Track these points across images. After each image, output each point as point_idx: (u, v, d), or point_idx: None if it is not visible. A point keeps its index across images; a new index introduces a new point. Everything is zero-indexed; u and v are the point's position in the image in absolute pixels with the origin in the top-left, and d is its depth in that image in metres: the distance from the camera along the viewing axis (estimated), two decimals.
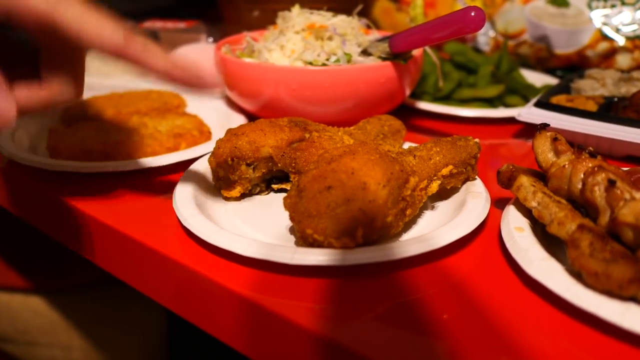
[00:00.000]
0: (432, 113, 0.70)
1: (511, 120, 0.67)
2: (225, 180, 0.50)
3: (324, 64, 0.60)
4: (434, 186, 0.47)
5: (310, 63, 0.61)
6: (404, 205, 0.43)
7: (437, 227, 0.45)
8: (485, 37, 0.89)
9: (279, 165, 0.49)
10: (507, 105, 0.72)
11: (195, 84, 0.41)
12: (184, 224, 0.44)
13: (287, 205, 0.41)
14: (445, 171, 0.47)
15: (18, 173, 0.56)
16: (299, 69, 0.57)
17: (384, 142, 0.53)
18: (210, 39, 0.77)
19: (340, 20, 0.64)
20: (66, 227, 0.53)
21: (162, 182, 0.54)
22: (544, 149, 0.44)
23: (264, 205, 0.50)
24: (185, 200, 0.47)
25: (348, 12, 0.81)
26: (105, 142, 0.56)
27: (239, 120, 0.64)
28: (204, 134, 0.59)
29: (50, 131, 0.59)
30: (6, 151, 0.55)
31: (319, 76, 0.57)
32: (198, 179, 0.51)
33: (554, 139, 0.44)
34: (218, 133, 0.62)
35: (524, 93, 0.71)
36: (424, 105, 0.70)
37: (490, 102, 0.71)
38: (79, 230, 0.52)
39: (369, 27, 0.69)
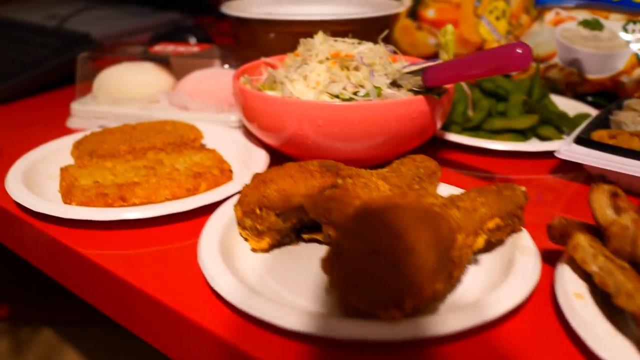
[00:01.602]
0: (462, 145, 0.67)
1: (546, 154, 0.64)
2: (252, 230, 0.46)
3: (351, 98, 0.56)
4: (480, 241, 0.43)
5: (337, 96, 0.57)
6: (452, 267, 0.39)
7: (483, 288, 0.41)
8: None
9: (311, 215, 0.45)
10: (539, 137, 0.68)
11: None
12: (213, 285, 0.40)
13: (326, 268, 0.38)
14: (491, 224, 0.44)
15: (27, 217, 0.52)
16: (326, 104, 0.54)
17: (420, 186, 0.50)
18: (226, 66, 0.73)
19: (367, 49, 0.61)
20: (79, 278, 0.50)
21: (183, 228, 0.51)
22: (602, 204, 0.41)
23: (295, 257, 0.46)
24: (211, 254, 0.43)
25: (370, 35, 0.78)
26: (122, 184, 0.52)
27: (259, 155, 0.61)
28: (225, 172, 0.56)
29: (62, 170, 0.56)
30: (16, 195, 0.52)
31: (348, 112, 0.53)
32: (223, 228, 0.47)
33: (614, 194, 0.40)
34: (239, 170, 0.58)
35: (557, 124, 0.68)
36: (454, 137, 0.66)
37: (522, 134, 0.68)
38: (93, 282, 0.48)
39: (394, 52, 0.65)
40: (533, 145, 0.64)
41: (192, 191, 0.54)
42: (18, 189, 0.53)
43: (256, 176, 0.47)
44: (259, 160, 0.59)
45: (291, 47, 0.76)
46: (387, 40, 0.82)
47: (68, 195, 0.51)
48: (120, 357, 0.87)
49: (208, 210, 0.51)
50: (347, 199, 0.45)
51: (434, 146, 0.67)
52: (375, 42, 0.79)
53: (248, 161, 0.61)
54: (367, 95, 0.56)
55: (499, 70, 0.48)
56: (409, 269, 0.36)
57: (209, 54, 0.76)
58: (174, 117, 0.70)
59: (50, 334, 0.90)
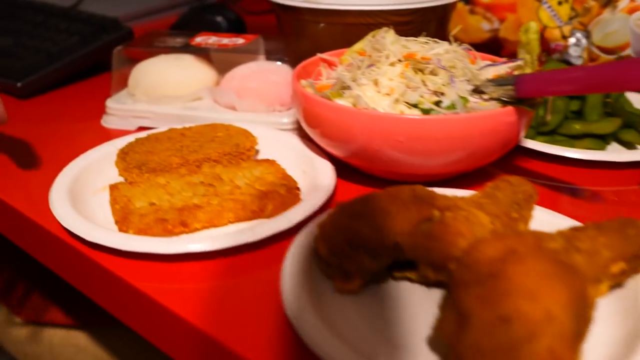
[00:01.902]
0: (535, 151, 0.61)
1: (633, 164, 0.58)
2: (339, 270, 0.41)
3: (431, 109, 0.51)
4: (603, 289, 0.38)
5: (415, 105, 0.51)
6: (586, 328, 0.34)
7: (609, 342, 0.37)
8: (577, 48, 0.79)
9: (408, 256, 0.40)
10: (621, 142, 0.63)
11: None
12: (307, 340, 0.36)
13: (446, 335, 0.33)
14: (615, 269, 0.39)
15: (75, 243, 0.47)
16: (412, 119, 0.48)
17: (519, 214, 0.45)
18: (278, 63, 0.67)
19: (445, 51, 0.54)
20: (136, 313, 0.45)
21: (250, 259, 0.46)
22: None
23: (386, 298, 0.41)
24: (296, 298, 0.38)
25: (428, 26, 0.71)
26: (182, 208, 0.47)
27: (324, 167, 0.55)
28: (292, 191, 0.50)
29: (113, 189, 0.50)
30: (67, 222, 0.47)
31: (433, 127, 0.48)
32: (303, 263, 0.42)
33: None
34: (302, 183, 0.53)
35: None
36: (530, 143, 0.60)
37: (602, 138, 0.62)
38: (152, 319, 0.43)
39: (468, 50, 0.59)
40: (624, 155, 0.58)
41: (258, 213, 0.49)
42: (67, 213, 0.48)
43: (343, 208, 0.42)
44: (325, 174, 0.54)
45: (342, 38, 0.70)
46: (444, 31, 0.76)
47: (125, 222, 0.46)
48: (150, 359, 0.83)
49: (281, 237, 0.46)
50: (449, 238, 0.40)
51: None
52: (433, 33, 0.73)
53: (311, 173, 0.55)
54: (451, 106, 0.50)
55: (613, 87, 0.43)
56: (550, 337, 0.31)
57: (254, 47, 0.69)
58: (220, 118, 0.65)
59: (80, 337, 0.86)
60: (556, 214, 0.48)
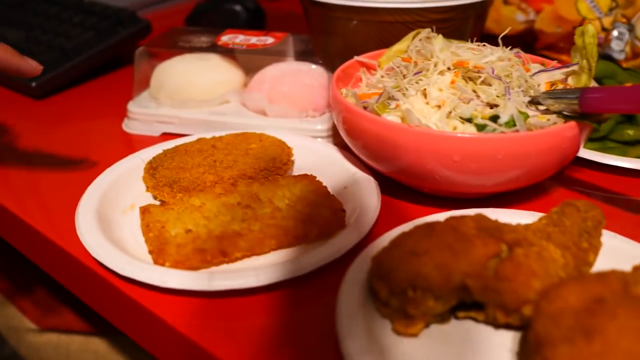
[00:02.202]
0: (583, 159, 0.57)
1: None
2: (399, 312, 0.38)
3: (485, 125, 0.47)
4: None
5: (469, 120, 0.47)
6: None
7: None
8: (620, 42, 0.74)
9: (476, 297, 0.37)
10: None
11: (18, 66, 0.49)
12: None
13: None
14: None
15: (104, 272, 0.44)
16: (469, 138, 0.44)
17: (589, 243, 0.42)
18: (314, 66, 0.63)
19: (498, 58, 0.50)
20: (176, 353, 0.42)
21: (298, 294, 0.42)
22: None
23: (450, 340, 0.38)
24: (356, 343, 0.35)
25: (466, 23, 0.67)
26: (222, 237, 0.44)
27: (366, 182, 0.51)
28: (337, 214, 0.47)
29: (144, 213, 0.47)
30: (97, 253, 0.43)
31: (492, 146, 0.44)
32: (358, 301, 0.39)
33: None
34: (344, 202, 0.49)
35: None
36: (583, 152, 0.57)
37: None
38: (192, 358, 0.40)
39: (518, 54, 0.55)
40: None
41: (301, 239, 0.46)
42: (98, 243, 0.44)
43: (401, 243, 0.39)
44: (369, 191, 0.50)
45: (376, 37, 0.66)
46: (481, 27, 0.72)
47: (161, 254, 0.43)
48: None
49: (327, 268, 0.43)
50: (522, 278, 0.36)
51: None
52: (471, 30, 0.68)
53: (352, 189, 0.52)
54: (510, 122, 0.46)
55: None
56: None
57: (283, 46, 0.65)
58: (249, 124, 0.61)
59: (99, 343, 0.83)
60: (624, 238, 0.44)
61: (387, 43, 0.64)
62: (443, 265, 0.36)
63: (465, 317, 0.39)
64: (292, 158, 0.55)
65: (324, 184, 0.51)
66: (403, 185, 0.53)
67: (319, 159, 0.56)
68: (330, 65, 0.64)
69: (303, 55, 0.65)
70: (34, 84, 0.71)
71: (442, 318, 0.39)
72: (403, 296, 0.37)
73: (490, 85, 0.50)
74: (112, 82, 0.77)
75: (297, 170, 0.55)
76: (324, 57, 0.65)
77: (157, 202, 0.51)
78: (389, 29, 0.65)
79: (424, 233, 0.39)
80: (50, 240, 0.48)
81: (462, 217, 0.40)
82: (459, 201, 0.51)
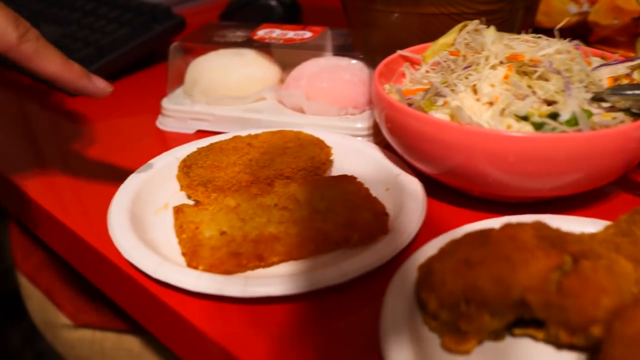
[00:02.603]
0: None
1: None
2: (450, 326, 0.35)
3: (543, 123, 0.43)
4: None
5: (525, 118, 0.44)
6: None
7: None
8: None
9: (538, 314, 0.33)
10: None
11: (84, 89, 0.44)
12: None
13: None
14: None
15: (137, 274, 0.42)
16: (526, 138, 0.41)
17: None
18: (354, 61, 0.60)
19: (557, 51, 0.47)
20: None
21: (337, 302, 0.39)
22: None
23: (504, 358, 0.35)
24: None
25: (515, 15, 0.63)
26: (258, 240, 0.41)
27: (411, 184, 0.48)
28: (380, 218, 0.44)
29: (178, 212, 0.45)
30: (131, 255, 0.41)
31: (552, 147, 0.40)
32: (404, 314, 0.36)
33: None
34: (387, 205, 0.46)
35: None
36: None
37: None
38: None
39: (577, 46, 0.51)
40: None
41: (342, 244, 0.43)
42: (131, 244, 0.42)
43: (453, 253, 0.35)
44: (413, 194, 0.47)
45: (419, 30, 0.63)
46: (531, 19, 0.68)
47: (194, 257, 0.40)
48: None
49: (368, 277, 0.40)
50: (590, 295, 0.33)
51: None
52: (520, 23, 0.64)
53: (395, 191, 0.49)
54: (572, 121, 0.42)
55: None
56: None
57: (321, 41, 0.62)
58: (286, 122, 0.58)
59: (133, 341, 0.82)
60: None
61: (431, 37, 0.60)
62: (500, 278, 0.33)
63: (523, 334, 0.36)
64: (331, 158, 0.53)
65: (364, 185, 0.48)
66: (449, 188, 0.49)
67: (359, 159, 0.53)
68: (371, 61, 0.61)
69: (342, 50, 0.62)
70: None
71: (497, 335, 0.36)
72: (455, 310, 0.34)
73: (547, 80, 0.46)
74: (146, 78, 0.76)
75: (335, 171, 0.52)
76: (363, 52, 0.61)
77: (191, 202, 0.49)
78: (432, 21, 0.62)
79: (479, 242, 0.35)
80: (83, 240, 0.46)
81: (520, 225, 0.37)
82: (511, 206, 0.47)
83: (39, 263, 0.86)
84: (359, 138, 0.56)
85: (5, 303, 1.28)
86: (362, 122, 0.57)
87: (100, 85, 0.45)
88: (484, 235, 0.36)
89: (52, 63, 0.42)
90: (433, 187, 0.49)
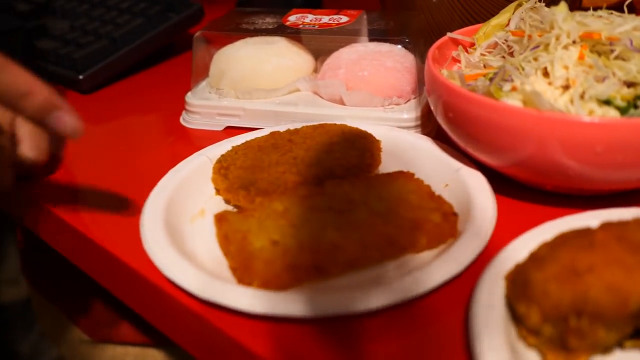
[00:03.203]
0: None
1: None
2: (555, 342, 0.30)
3: (630, 105, 0.38)
4: None
5: (607, 102, 0.39)
6: None
7: None
8: None
9: None
10: None
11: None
12: None
13: None
14: None
15: (177, 292, 0.37)
16: (618, 124, 0.36)
17: None
18: (399, 46, 0.55)
19: (634, 28, 0.42)
20: None
21: (410, 316, 0.35)
22: None
23: None
24: None
25: None
26: (316, 249, 0.36)
27: (474, 179, 0.44)
28: (449, 218, 0.39)
29: (220, 221, 0.40)
30: (172, 272, 0.36)
31: None
32: (495, 326, 0.31)
33: None
34: (455, 204, 0.41)
35: None
36: None
37: None
38: None
39: None
40: None
41: (409, 248, 0.38)
42: (169, 258, 0.37)
43: (553, 257, 0.31)
44: (479, 190, 0.42)
45: (462, 11, 0.58)
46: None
47: (247, 272, 0.36)
48: None
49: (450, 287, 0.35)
50: None
51: None
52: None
53: (455, 187, 0.44)
54: None
55: None
56: None
57: (357, 25, 0.57)
58: (325, 115, 0.54)
59: (157, 355, 0.78)
60: None
61: (475, 18, 0.56)
62: (616, 286, 0.29)
63: (634, 346, 0.31)
64: (381, 153, 0.48)
65: (424, 182, 0.43)
66: (514, 182, 0.45)
67: (410, 153, 0.48)
68: (412, 46, 0.56)
69: (380, 35, 0.58)
70: (81, 77, 0.64)
71: (606, 349, 0.31)
72: (562, 325, 0.29)
73: (625, 60, 0.41)
74: (165, 72, 0.71)
75: (386, 168, 0.48)
76: (405, 36, 0.57)
77: (231, 207, 0.44)
78: (476, 1, 0.57)
79: (582, 244, 0.31)
80: (113, 255, 0.41)
81: (625, 224, 0.32)
82: (586, 199, 0.43)
83: (50, 277, 0.82)
84: (408, 130, 0.52)
85: (14, 312, 1.24)
86: (408, 113, 0.53)
87: (68, 121, 0.39)
88: (586, 236, 0.32)
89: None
90: (496, 181, 0.44)
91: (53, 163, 0.51)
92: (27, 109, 0.37)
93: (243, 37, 0.58)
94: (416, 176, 0.44)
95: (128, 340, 0.75)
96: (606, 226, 0.32)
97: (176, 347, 0.75)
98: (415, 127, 0.52)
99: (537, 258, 0.32)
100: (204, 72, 0.60)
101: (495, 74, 0.42)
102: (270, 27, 0.58)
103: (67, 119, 0.38)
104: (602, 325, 0.29)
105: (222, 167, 0.45)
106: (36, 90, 0.37)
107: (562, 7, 0.44)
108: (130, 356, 0.77)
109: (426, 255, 0.38)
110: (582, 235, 0.32)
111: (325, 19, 0.58)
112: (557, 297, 0.29)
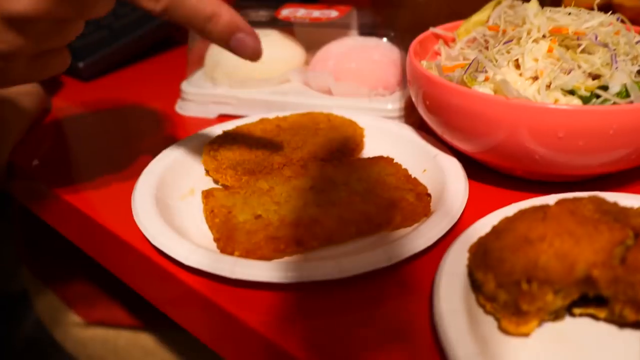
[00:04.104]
0: None
1: None
2: (508, 307, 0.33)
3: (592, 95, 0.41)
4: None
5: (572, 92, 0.42)
6: None
7: None
8: None
9: (603, 292, 0.31)
10: None
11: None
12: None
13: None
14: None
15: (165, 262, 0.40)
16: (578, 111, 0.39)
17: None
18: (384, 39, 0.58)
19: (600, 24, 0.45)
20: (244, 350, 0.37)
21: (383, 287, 0.37)
22: None
23: (566, 341, 0.33)
24: (464, 347, 0.30)
25: None
26: (297, 223, 0.39)
27: (449, 164, 0.46)
28: (422, 198, 0.42)
29: (208, 196, 0.43)
30: (160, 241, 0.39)
31: (605, 120, 0.38)
32: (458, 298, 0.34)
33: None
34: (428, 187, 0.44)
35: None
36: None
37: None
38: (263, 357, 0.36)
39: (622, 22, 0.49)
40: None
41: (384, 226, 0.41)
42: (159, 230, 0.40)
43: (509, 228, 0.33)
44: (453, 174, 0.45)
45: (448, 8, 0.61)
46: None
47: (229, 242, 0.38)
48: None
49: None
50: None
51: None
52: (546, 3, 0.62)
53: (432, 172, 0.47)
54: (622, 93, 0.40)
55: None
56: None
57: (347, 20, 0.60)
58: (314, 104, 0.56)
59: (148, 339, 0.80)
60: None
61: (460, 14, 0.58)
62: (565, 254, 0.31)
63: (583, 313, 0.34)
64: (364, 139, 0.51)
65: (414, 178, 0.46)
66: (488, 168, 0.47)
67: (393, 141, 0.51)
68: (400, 40, 0.59)
69: (369, 30, 0.60)
70: (81, 65, 0.67)
71: (557, 315, 0.34)
72: (515, 289, 0.32)
73: (590, 53, 0.44)
74: (163, 62, 0.74)
75: (369, 153, 0.50)
76: (392, 31, 0.59)
77: (219, 186, 0.47)
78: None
79: (537, 217, 0.33)
80: (106, 229, 0.44)
81: (579, 200, 0.35)
82: (555, 185, 0.45)
83: (47, 261, 0.84)
84: (391, 119, 0.54)
85: (7, 304, 1.26)
86: (393, 103, 0.55)
87: (251, 44, 0.40)
88: (541, 211, 0.34)
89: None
90: (471, 167, 0.47)
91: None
92: (213, 32, 0.38)
93: None
94: (396, 161, 0.47)
95: (120, 323, 0.78)
96: (561, 202, 0.35)
97: (166, 330, 0.78)
98: (399, 117, 0.55)
99: (496, 230, 0.34)
100: (199, 63, 0.63)
101: (469, 65, 0.45)
102: (264, 20, 0.61)
103: (249, 41, 0.39)
104: (550, 289, 0.31)
105: (213, 149, 0.48)
106: (220, 11, 0.38)
107: (534, 4, 0.46)
108: (122, 338, 0.79)
109: (401, 232, 0.41)
110: (538, 209, 0.34)
111: (316, 13, 0.61)
112: (510, 264, 0.32)
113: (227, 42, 0.39)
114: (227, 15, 0.38)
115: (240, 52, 0.40)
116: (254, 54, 0.40)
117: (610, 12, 0.48)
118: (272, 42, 0.60)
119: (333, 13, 0.61)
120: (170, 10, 0.37)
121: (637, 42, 0.47)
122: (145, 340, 0.79)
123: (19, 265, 1.21)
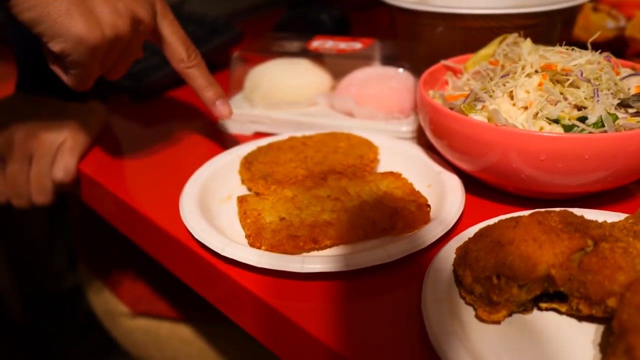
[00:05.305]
0: None
1: None
2: (483, 298, 0.39)
3: (574, 125, 0.48)
4: None
5: (556, 121, 0.48)
6: None
7: None
8: None
9: (561, 288, 0.38)
10: None
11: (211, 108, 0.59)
12: None
13: None
14: None
15: (205, 254, 0.48)
16: (556, 137, 0.45)
17: None
18: (400, 70, 0.65)
19: (587, 62, 0.51)
20: (269, 328, 0.45)
21: (384, 281, 0.45)
22: None
23: (533, 330, 0.39)
24: (441, 328, 0.37)
25: (554, 29, 0.68)
26: (314, 225, 0.47)
27: (451, 180, 0.53)
28: (422, 208, 0.49)
29: (242, 201, 0.51)
30: (202, 236, 0.47)
31: (579, 146, 0.45)
32: (444, 289, 0.41)
33: None
34: (429, 199, 0.51)
35: None
36: None
37: None
38: (283, 334, 0.43)
39: (607, 58, 0.55)
40: None
41: (388, 230, 0.48)
42: (200, 226, 0.48)
43: (487, 234, 0.40)
44: (453, 189, 0.52)
45: (462, 43, 0.68)
46: (569, 33, 0.72)
47: (258, 238, 0.46)
48: (250, 356, 0.84)
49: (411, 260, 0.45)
50: (607, 272, 0.37)
51: None
52: (558, 36, 0.69)
53: (436, 187, 0.54)
54: (598, 123, 0.47)
55: None
56: None
57: (370, 51, 0.68)
58: (337, 125, 0.64)
59: (186, 330, 0.88)
60: None
61: (473, 48, 0.65)
62: (528, 257, 0.38)
63: (548, 308, 0.40)
64: (378, 157, 0.58)
65: (408, 181, 0.53)
66: (487, 185, 0.54)
67: (404, 159, 0.58)
68: (416, 70, 0.66)
69: (389, 60, 0.68)
70: (137, 87, 0.77)
71: (525, 307, 0.40)
72: (487, 283, 0.38)
73: (577, 87, 0.50)
74: None
75: (382, 169, 0.58)
76: (409, 62, 0.67)
77: (252, 193, 0.55)
78: (474, 34, 0.67)
79: (510, 225, 0.40)
80: (157, 225, 0.52)
81: (548, 212, 0.41)
82: (543, 201, 0.52)
83: (101, 257, 0.94)
84: (404, 140, 0.61)
85: (58, 302, 1.36)
86: (407, 126, 0.63)
87: (223, 110, 0.59)
88: (514, 220, 0.41)
89: (199, 81, 0.58)
90: (471, 184, 0.54)
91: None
92: (203, 98, 0.59)
93: (273, 58, 0.69)
94: (405, 176, 0.54)
95: (162, 315, 0.86)
96: (533, 214, 0.41)
97: (202, 323, 0.86)
98: (412, 138, 0.62)
99: (477, 235, 0.41)
100: (239, 86, 0.71)
101: (469, 95, 0.52)
102: (296, 50, 0.70)
103: (224, 108, 0.59)
104: (515, 284, 0.38)
105: (247, 161, 0.56)
106: (210, 84, 0.59)
107: (528, 43, 0.53)
108: (163, 329, 0.88)
109: (402, 236, 0.48)
110: (511, 219, 0.41)
111: (342, 45, 0.69)
112: (484, 262, 0.39)
113: (210, 107, 0.59)
114: (215, 88, 0.59)
115: (217, 114, 0.60)
116: (225, 116, 0.60)
117: (600, 50, 0.55)
118: (303, 69, 0.68)
119: (357, 45, 0.69)
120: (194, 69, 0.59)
121: (623, 77, 0.53)
122: (183, 332, 0.87)
123: (69, 266, 1.32)
